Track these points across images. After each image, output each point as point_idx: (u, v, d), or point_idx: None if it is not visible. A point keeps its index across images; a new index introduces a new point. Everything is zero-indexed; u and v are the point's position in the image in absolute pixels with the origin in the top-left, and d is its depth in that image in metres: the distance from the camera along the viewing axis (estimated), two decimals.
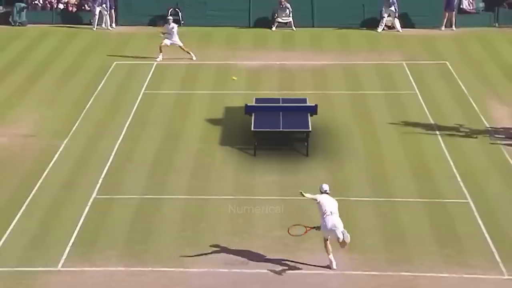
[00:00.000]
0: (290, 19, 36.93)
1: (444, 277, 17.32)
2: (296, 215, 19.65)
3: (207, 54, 33.11)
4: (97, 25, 37.10)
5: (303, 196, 17.53)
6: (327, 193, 17.74)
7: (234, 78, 28.12)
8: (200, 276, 17.31)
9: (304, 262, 17.75)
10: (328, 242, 17.47)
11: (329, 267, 17.44)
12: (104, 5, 36.92)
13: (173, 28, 31.87)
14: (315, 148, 23.58)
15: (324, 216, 17.36)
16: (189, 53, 32.03)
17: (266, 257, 17.94)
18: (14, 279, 17.13)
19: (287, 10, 36.85)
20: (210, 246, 18.45)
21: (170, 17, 32.89)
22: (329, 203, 17.51)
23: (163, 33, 31.96)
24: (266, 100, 26.24)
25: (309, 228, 17.73)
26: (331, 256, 17.46)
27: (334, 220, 17.33)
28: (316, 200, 17.52)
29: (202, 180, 21.85)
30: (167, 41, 31.89)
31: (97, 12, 36.94)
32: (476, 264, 17.75)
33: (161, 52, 31.80)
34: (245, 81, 29.86)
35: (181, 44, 31.96)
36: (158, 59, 31.80)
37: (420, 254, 18.12)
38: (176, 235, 19.01)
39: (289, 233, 17.79)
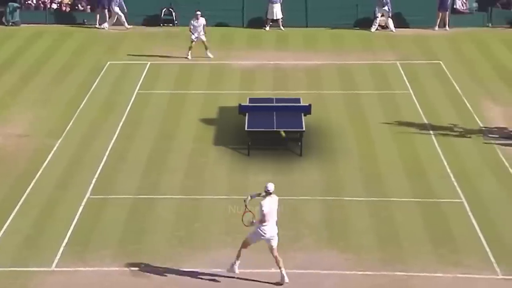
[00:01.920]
0: (280, 16, 36.77)
1: (438, 277, 17.34)
2: (290, 214, 19.64)
3: (201, 54, 33.08)
4: (99, 24, 37.07)
5: (245, 203, 16.85)
6: (270, 194, 16.66)
7: None
8: (194, 276, 17.29)
9: (298, 262, 17.75)
10: (247, 247, 16.93)
11: (233, 270, 16.97)
12: (119, 5, 36.86)
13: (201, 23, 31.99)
14: (309, 148, 23.58)
15: (265, 224, 16.57)
16: (207, 50, 32.21)
17: (260, 257, 17.91)
18: (8, 279, 17.10)
19: (275, 6, 36.68)
20: (204, 246, 18.45)
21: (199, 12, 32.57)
22: (273, 209, 16.66)
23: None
24: (259, 100, 26.24)
25: (247, 210, 16.96)
26: (238, 262, 16.96)
27: (273, 229, 16.71)
28: (261, 205, 16.51)
29: (196, 180, 21.84)
30: (193, 37, 32.02)
31: (109, 12, 36.89)
32: (470, 264, 17.78)
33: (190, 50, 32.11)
34: (239, 81, 29.88)
35: (204, 39, 32.08)
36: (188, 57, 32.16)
37: (414, 254, 18.14)
38: (169, 235, 19.00)
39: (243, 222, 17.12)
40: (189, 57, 32.12)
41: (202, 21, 31.98)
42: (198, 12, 32.23)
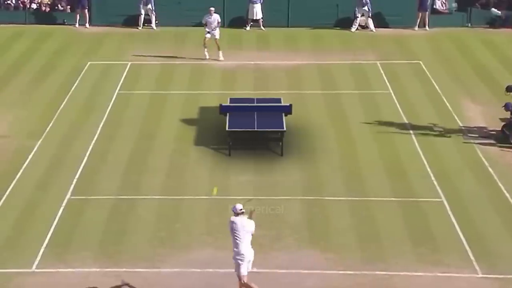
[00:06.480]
0: (260, 16, 36.88)
1: (419, 276, 17.42)
2: (271, 214, 19.68)
3: (182, 54, 33.07)
4: (79, 24, 37.01)
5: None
6: (240, 214, 16.01)
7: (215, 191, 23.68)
8: (175, 277, 17.30)
9: (279, 262, 17.79)
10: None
11: None
12: (150, 5, 36.76)
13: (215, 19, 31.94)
14: (290, 148, 23.63)
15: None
16: (219, 51, 32.04)
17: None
18: None
19: (255, 6, 36.81)
20: (185, 246, 18.45)
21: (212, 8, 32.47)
22: (242, 228, 15.88)
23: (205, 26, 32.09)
24: (240, 100, 26.24)
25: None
26: None
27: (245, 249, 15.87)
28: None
29: (177, 180, 21.83)
30: (208, 34, 31.99)
31: (142, 12, 36.83)
32: (450, 263, 17.88)
33: (205, 47, 31.97)
34: (220, 81, 29.88)
35: (217, 37, 31.95)
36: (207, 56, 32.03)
37: (394, 253, 18.22)
38: (150, 235, 18.99)
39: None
40: (207, 56, 32.10)
41: (216, 17, 31.96)
42: (212, 8, 32.17)
